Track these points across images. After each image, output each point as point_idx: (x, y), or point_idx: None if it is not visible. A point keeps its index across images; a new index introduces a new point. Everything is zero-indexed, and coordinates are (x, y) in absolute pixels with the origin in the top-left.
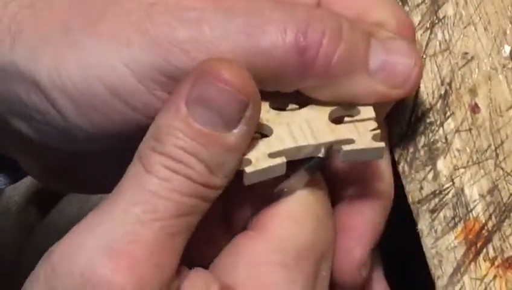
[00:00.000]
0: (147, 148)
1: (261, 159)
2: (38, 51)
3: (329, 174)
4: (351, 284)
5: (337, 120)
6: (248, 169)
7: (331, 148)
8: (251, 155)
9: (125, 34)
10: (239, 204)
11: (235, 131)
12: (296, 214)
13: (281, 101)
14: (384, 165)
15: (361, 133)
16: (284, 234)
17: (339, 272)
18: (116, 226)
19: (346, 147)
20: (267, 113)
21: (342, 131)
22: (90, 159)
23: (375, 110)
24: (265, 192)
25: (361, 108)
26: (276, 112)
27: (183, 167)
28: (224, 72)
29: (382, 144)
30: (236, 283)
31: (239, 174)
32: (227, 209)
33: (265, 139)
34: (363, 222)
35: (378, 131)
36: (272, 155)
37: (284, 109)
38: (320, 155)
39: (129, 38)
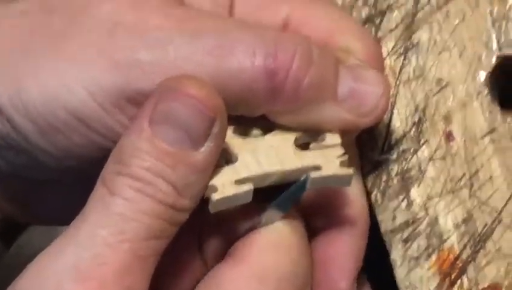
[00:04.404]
0: (110, 172)
1: (227, 186)
2: None
3: (300, 207)
4: None
5: (302, 146)
6: (214, 196)
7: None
8: (217, 182)
9: (86, 54)
10: (213, 235)
11: (202, 149)
12: (276, 243)
13: (244, 126)
14: (354, 190)
15: (329, 159)
16: (265, 263)
17: None
18: (83, 249)
19: (314, 174)
20: (231, 139)
21: (309, 157)
22: (53, 189)
23: (340, 136)
24: (240, 223)
25: (327, 134)
26: (240, 137)
27: (150, 188)
28: (190, 87)
29: (350, 171)
30: None
31: (207, 202)
32: (202, 241)
33: (231, 166)
34: (344, 251)
35: (345, 157)
36: (238, 182)
37: (247, 135)
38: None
39: (89, 59)
